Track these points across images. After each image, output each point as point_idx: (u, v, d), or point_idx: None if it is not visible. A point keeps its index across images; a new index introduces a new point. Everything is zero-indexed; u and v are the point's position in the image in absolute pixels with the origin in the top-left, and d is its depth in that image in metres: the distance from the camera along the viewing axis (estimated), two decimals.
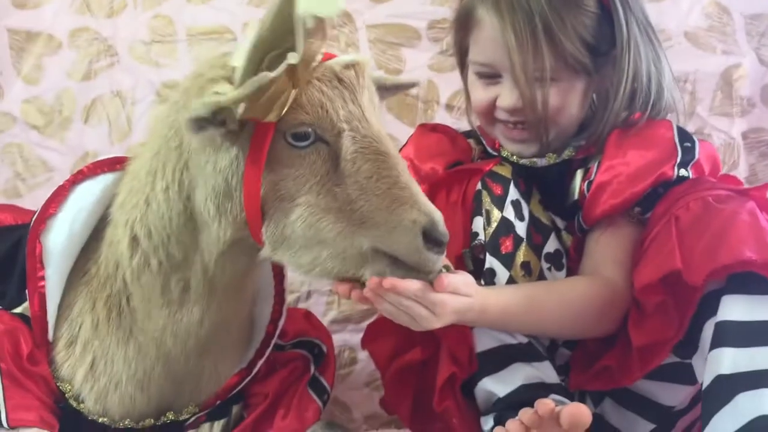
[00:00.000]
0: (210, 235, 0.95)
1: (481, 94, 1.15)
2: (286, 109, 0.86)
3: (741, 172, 1.57)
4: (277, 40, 0.83)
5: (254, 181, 0.88)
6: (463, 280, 0.97)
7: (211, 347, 1.05)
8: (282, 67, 0.81)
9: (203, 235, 0.96)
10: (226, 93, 0.85)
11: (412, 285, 0.90)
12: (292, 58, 0.81)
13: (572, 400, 1.11)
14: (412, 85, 1.10)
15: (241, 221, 0.92)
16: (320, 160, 0.89)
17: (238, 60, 0.86)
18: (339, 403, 1.59)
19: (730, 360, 0.89)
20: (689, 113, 1.57)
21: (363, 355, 1.57)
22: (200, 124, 0.86)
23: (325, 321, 1.58)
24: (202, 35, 1.65)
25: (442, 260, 0.92)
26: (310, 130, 0.88)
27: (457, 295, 0.95)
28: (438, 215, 0.88)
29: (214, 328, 1.03)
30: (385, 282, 0.88)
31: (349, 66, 0.91)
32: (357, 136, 0.89)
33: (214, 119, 0.86)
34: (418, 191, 0.89)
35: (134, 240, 1.00)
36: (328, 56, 0.91)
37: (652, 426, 1.08)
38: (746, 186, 1.25)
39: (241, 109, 0.84)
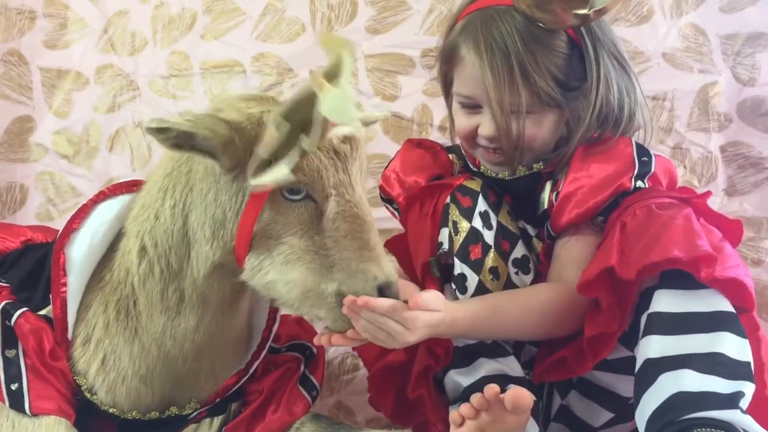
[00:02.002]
0: (200, 252, 1.07)
1: (463, 121, 1.23)
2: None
3: (720, 184, 1.62)
4: (294, 112, 0.95)
5: (250, 220, 1.02)
6: (434, 296, 1.06)
7: (206, 351, 1.15)
8: (296, 152, 0.94)
9: (194, 251, 1.08)
10: (205, 126, 0.98)
11: (384, 302, 0.99)
12: (306, 144, 0.94)
13: (540, 393, 1.20)
14: (384, 117, 1.25)
15: (231, 248, 1.04)
16: (307, 213, 1.02)
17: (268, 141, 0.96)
18: (343, 407, 1.67)
19: (657, 346, 0.96)
20: (668, 129, 1.63)
21: None
22: (167, 139, 0.97)
23: None
24: (214, 68, 1.75)
25: None
26: (302, 188, 1.01)
27: (428, 311, 1.04)
28: (394, 278, 1.01)
29: (210, 336, 1.13)
30: (359, 300, 0.98)
31: (346, 140, 1.04)
32: (341, 200, 1.02)
33: (188, 143, 0.98)
34: (382, 254, 1.03)
35: (143, 249, 1.11)
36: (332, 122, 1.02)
37: (612, 415, 1.15)
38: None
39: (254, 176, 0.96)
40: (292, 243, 1.01)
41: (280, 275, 1.02)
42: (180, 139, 0.98)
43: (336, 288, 1.01)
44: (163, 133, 0.97)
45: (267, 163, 0.95)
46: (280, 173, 0.93)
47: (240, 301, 1.17)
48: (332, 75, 0.94)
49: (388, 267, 1.02)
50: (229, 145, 0.99)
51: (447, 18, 1.31)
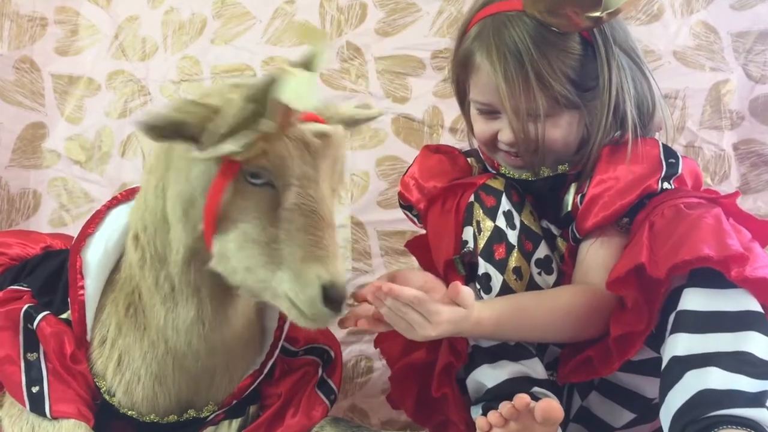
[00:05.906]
0: (175, 236, 1.07)
1: (482, 127, 1.22)
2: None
3: (732, 182, 1.62)
4: (258, 95, 0.95)
5: (215, 199, 1.00)
6: (469, 292, 1.06)
7: (218, 348, 1.14)
8: (251, 132, 0.93)
9: (171, 234, 1.07)
10: (187, 111, 0.97)
11: (408, 292, 0.99)
12: (265, 126, 0.93)
13: (561, 393, 1.19)
14: (379, 114, 1.18)
15: (200, 230, 1.03)
16: (265, 200, 1.00)
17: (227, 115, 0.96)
18: (357, 410, 1.67)
19: (684, 344, 0.96)
20: (680, 127, 1.63)
21: (379, 364, 1.65)
22: (155, 131, 0.96)
23: (342, 332, 1.65)
24: (225, 73, 1.76)
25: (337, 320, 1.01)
26: (265, 173, 0.99)
27: (454, 306, 1.03)
28: (342, 279, 0.97)
29: (218, 330, 1.12)
30: (384, 287, 0.98)
31: (320, 135, 1.01)
32: (303, 193, 0.99)
33: (173, 132, 0.97)
34: (335, 255, 0.98)
35: (136, 236, 1.11)
36: (311, 117, 1.02)
37: (634, 416, 1.15)
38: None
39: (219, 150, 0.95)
40: (245, 230, 1.00)
41: (237, 262, 1.01)
42: (166, 130, 0.97)
43: (285, 291, 0.99)
44: (154, 127, 0.96)
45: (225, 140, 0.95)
46: (225, 148, 0.93)
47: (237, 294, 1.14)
48: (307, 64, 0.94)
49: (337, 267, 0.98)
50: (206, 128, 0.97)
51: (456, 19, 1.31)
